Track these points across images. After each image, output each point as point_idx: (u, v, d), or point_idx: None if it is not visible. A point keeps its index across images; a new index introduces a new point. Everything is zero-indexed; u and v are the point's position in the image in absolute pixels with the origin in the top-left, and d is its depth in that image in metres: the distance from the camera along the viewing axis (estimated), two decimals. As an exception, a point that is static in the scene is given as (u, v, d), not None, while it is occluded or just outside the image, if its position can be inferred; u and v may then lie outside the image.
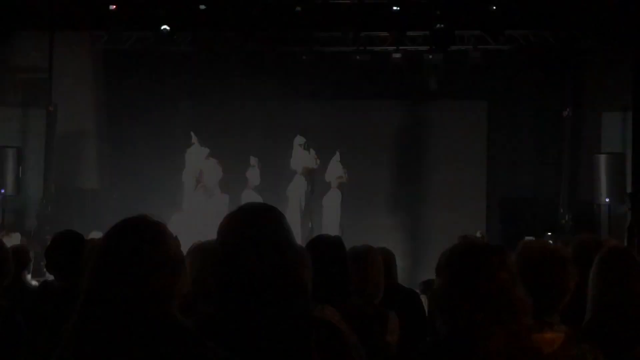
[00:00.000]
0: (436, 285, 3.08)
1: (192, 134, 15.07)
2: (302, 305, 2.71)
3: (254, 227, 2.79)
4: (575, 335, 3.25)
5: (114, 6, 14.09)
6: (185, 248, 3.58)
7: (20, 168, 14.05)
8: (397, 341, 4.38)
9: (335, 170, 14.96)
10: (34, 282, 6.28)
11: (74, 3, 14.45)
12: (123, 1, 14.16)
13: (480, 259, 2.88)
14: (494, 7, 13.71)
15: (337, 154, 15.00)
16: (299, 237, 12.71)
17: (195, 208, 14.51)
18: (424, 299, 5.73)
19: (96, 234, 6.98)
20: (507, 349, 2.75)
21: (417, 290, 6.24)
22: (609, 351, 3.27)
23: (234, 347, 2.56)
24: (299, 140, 14.89)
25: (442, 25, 13.80)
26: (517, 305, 2.82)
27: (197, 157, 14.95)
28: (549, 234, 11.20)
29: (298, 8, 13.97)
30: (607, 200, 13.38)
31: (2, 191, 13.76)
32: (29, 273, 6.34)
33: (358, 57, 15.02)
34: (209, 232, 4.11)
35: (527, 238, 10.55)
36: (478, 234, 11.59)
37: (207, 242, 4.08)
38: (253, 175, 14.90)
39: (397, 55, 15.04)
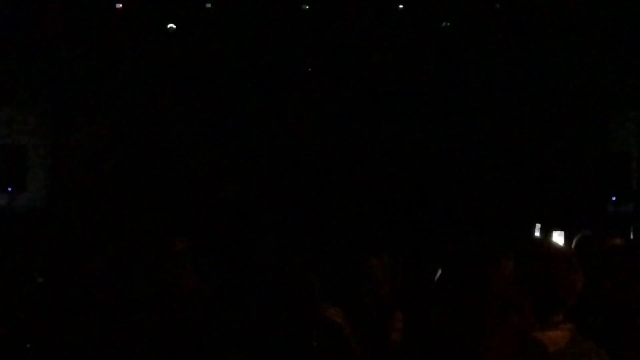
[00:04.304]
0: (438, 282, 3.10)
1: None
2: (306, 304, 2.73)
3: (261, 228, 2.81)
4: (580, 333, 3.26)
5: (120, 5, 14.11)
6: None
7: (26, 166, 14.08)
8: (401, 340, 4.39)
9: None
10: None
11: (81, 1, 14.49)
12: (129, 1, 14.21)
13: (482, 257, 2.89)
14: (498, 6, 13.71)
15: None
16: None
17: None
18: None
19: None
20: (508, 347, 2.76)
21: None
22: (611, 348, 3.27)
23: (238, 344, 2.58)
24: None
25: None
26: (517, 303, 2.83)
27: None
28: (557, 231, 11.09)
29: (305, 6, 13.98)
30: (613, 198, 13.39)
31: (9, 189, 13.80)
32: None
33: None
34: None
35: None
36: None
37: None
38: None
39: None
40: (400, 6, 14.17)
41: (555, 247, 3.47)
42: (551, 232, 8.97)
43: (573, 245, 5.11)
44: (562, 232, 8.64)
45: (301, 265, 2.87)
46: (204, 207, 14.59)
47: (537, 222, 10.89)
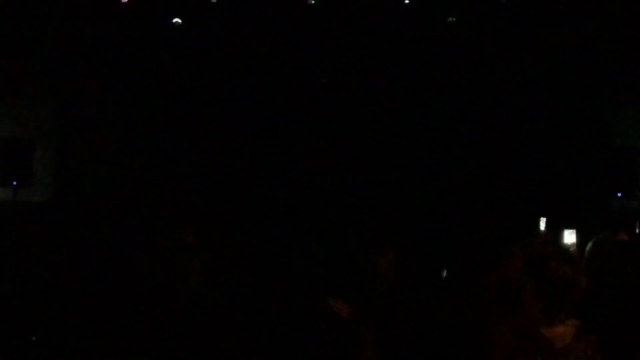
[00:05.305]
0: (444, 278, 3.10)
1: None
2: (314, 298, 2.72)
3: (267, 222, 2.80)
4: (585, 329, 3.26)
5: (126, -1, 14.13)
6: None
7: (32, 160, 14.09)
8: (407, 335, 4.38)
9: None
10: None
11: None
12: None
13: (489, 253, 2.89)
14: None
15: None
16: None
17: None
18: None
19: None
20: (514, 342, 2.76)
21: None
22: (616, 343, 3.27)
23: (245, 338, 2.57)
24: None
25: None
26: (523, 299, 2.83)
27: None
28: (568, 230, 11.06)
29: (312, 1, 13.94)
30: (619, 194, 13.36)
31: (15, 183, 13.81)
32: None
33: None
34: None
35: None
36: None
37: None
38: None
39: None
40: (407, 1, 14.15)
41: (560, 246, 3.46)
42: (561, 231, 8.96)
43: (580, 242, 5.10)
44: (574, 231, 8.65)
45: (309, 259, 2.86)
46: (211, 199, 14.58)
47: (543, 217, 10.88)
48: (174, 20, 14.41)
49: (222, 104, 15.79)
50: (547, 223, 10.69)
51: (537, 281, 2.98)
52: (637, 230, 11.71)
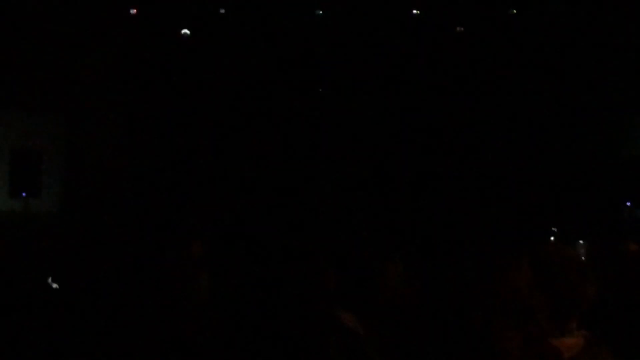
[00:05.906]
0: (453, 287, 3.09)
1: None
2: (323, 310, 2.72)
3: (280, 230, 2.80)
4: (595, 339, 3.24)
5: (135, 10, 14.16)
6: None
7: (41, 171, 14.12)
8: (416, 345, 4.38)
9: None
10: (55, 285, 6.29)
11: (95, 7, 14.57)
12: (143, 5, 14.25)
13: (495, 262, 2.89)
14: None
15: None
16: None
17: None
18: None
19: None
20: (524, 353, 2.75)
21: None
22: (628, 355, 3.25)
23: (254, 349, 2.57)
24: None
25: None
26: (533, 308, 2.82)
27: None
28: (581, 242, 11.02)
29: (319, 12, 13.95)
30: (628, 203, 13.32)
31: (24, 194, 13.84)
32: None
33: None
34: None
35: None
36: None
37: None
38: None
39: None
40: (415, 11, 14.17)
41: (568, 254, 3.44)
42: (575, 242, 8.95)
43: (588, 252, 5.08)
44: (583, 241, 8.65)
45: (317, 270, 2.86)
46: (219, 211, 14.58)
47: (553, 227, 10.86)
48: (183, 31, 14.45)
49: (231, 114, 15.81)
50: (556, 232, 10.67)
51: (544, 290, 2.97)
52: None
